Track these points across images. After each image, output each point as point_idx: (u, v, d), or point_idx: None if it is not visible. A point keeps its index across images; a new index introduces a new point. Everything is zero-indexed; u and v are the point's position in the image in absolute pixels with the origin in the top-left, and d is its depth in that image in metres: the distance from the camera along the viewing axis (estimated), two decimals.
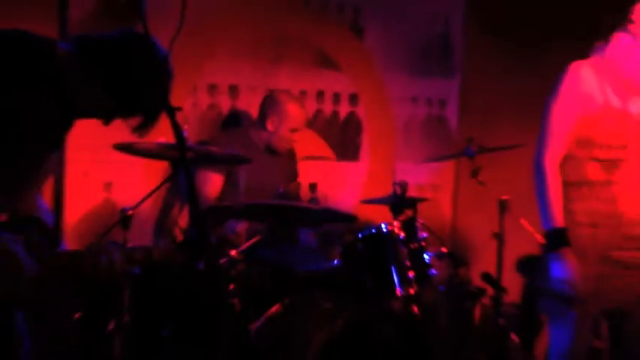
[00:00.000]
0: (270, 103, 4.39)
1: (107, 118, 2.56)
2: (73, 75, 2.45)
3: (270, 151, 4.43)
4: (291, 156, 4.61)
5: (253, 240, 3.84)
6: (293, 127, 4.37)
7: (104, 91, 2.48)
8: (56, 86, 2.43)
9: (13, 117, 2.36)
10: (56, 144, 2.60)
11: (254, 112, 4.56)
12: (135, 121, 2.53)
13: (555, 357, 2.93)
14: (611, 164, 2.87)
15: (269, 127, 4.37)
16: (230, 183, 4.30)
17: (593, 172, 2.89)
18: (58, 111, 2.49)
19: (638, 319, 2.93)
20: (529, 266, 4.95)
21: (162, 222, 4.50)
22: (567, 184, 2.92)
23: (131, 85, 2.48)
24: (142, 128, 2.52)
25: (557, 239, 2.86)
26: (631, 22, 2.88)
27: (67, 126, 2.60)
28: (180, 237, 4.00)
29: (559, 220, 2.86)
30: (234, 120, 4.73)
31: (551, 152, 2.90)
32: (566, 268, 2.82)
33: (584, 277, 2.81)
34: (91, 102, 2.52)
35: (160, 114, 2.47)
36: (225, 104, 4.74)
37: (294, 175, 4.62)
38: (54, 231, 2.61)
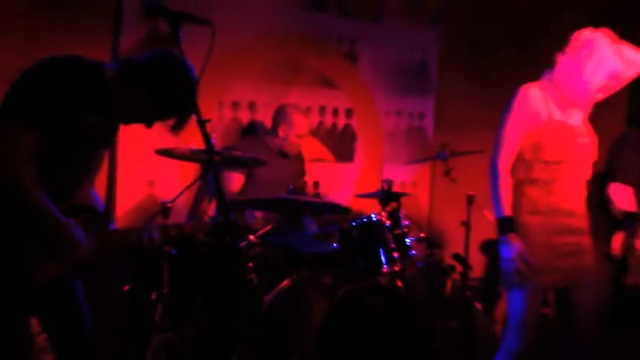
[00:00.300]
0: (280, 114, 4.38)
1: (149, 123, 2.57)
2: (119, 92, 2.47)
3: (282, 154, 4.41)
4: (300, 158, 4.60)
5: (267, 227, 3.84)
6: (299, 133, 4.35)
7: (146, 102, 2.50)
8: (106, 103, 2.45)
9: (76, 132, 2.39)
10: (105, 147, 2.62)
11: (268, 123, 4.56)
12: (170, 122, 2.54)
13: (512, 321, 2.93)
14: (554, 165, 2.88)
15: (280, 134, 4.36)
16: (250, 180, 4.31)
17: (540, 171, 2.89)
18: (107, 123, 2.52)
19: (581, 293, 2.92)
20: (490, 248, 4.96)
21: (194, 212, 4.49)
22: (520, 182, 2.93)
23: (167, 95, 2.50)
24: (177, 128, 2.53)
25: (505, 226, 2.87)
26: (568, 45, 2.89)
27: (114, 132, 2.62)
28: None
29: (507, 210, 2.87)
30: (251, 129, 4.73)
31: (503, 157, 2.91)
32: (511, 249, 2.83)
33: (531, 256, 2.82)
34: (135, 112, 2.54)
35: (190, 116, 2.48)
36: (245, 118, 4.73)
37: (302, 174, 4.61)
38: (105, 216, 2.61)
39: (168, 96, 2.50)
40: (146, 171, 4.35)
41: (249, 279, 3.70)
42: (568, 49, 2.88)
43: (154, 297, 3.57)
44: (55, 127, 2.31)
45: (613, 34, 2.86)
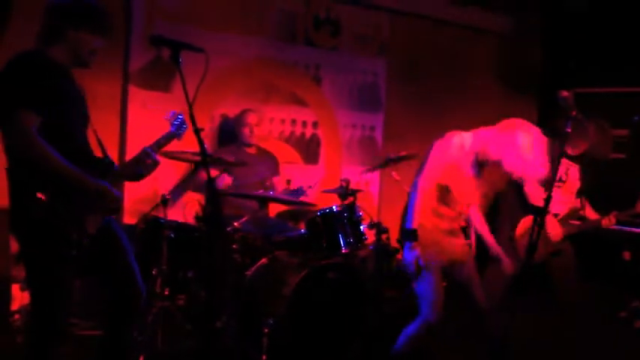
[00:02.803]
0: (237, 117, 4.40)
1: (96, 45, 2.49)
2: (63, 50, 2.42)
3: (254, 148, 4.40)
4: (271, 157, 4.56)
5: (246, 217, 3.83)
6: (249, 123, 4.31)
7: (75, 33, 2.42)
8: (62, 68, 2.42)
9: (60, 97, 2.38)
10: (85, 105, 2.55)
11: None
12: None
13: (424, 301, 2.97)
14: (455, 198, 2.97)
15: (237, 129, 4.36)
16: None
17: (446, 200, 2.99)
18: (72, 83, 2.48)
19: (464, 268, 3.05)
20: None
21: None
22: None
23: (80, 15, 2.42)
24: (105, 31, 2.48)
25: (412, 235, 2.88)
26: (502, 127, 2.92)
27: (81, 90, 2.55)
28: (200, 212, 3.96)
29: (416, 224, 2.89)
30: (228, 135, 4.69)
31: (424, 180, 2.94)
32: (412, 254, 2.89)
33: (429, 257, 2.91)
34: (79, 47, 2.45)
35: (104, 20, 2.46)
36: None
37: (276, 170, 4.55)
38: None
39: (82, 14, 2.43)
40: None
41: (233, 258, 3.69)
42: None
43: (154, 272, 3.54)
44: (43, 99, 2.29)
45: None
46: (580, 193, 4.09)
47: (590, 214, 4.11)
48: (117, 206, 2.50)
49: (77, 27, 2.42)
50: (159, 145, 2.71)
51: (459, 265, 3.05)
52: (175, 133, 2.78)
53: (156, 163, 2.64)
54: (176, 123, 2.80)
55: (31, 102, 2.27)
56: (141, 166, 2.61)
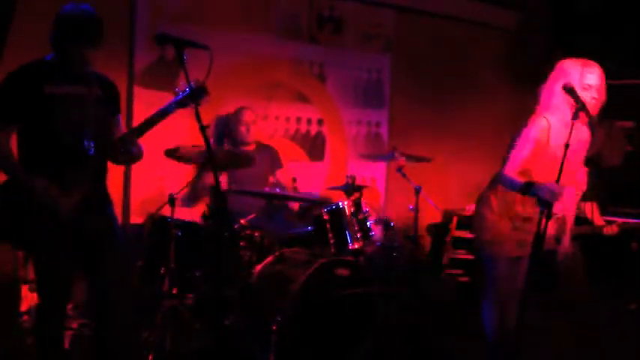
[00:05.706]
0: (232, 115, 4.41)
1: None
2: (62, 58, 2.58)
3: (258, 147, 4.39)
4: (270, 150, 4.56)
5: (253, 214, 3.84)
6: (245, 121, 4.33)
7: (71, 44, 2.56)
8: (58, 72, 2.58)
9: (45, 101, 2.54)
10: (84, 99, 2.65)
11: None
12: None
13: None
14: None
15: (233, 127, 4.37)
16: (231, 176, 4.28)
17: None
18: (70, 82, 2.60)
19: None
20: (434, 230, 5.01)
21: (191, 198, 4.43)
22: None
23: (73, 29, 2.55)
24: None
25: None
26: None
27: (84, 82, 2.66)
28: (207, 211, 3.97)
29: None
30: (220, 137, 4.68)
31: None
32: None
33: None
34: (71, 52, 2.58)
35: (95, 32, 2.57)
36: None
37: (276, 164, 4.55)
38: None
39: (75, 29, 2.54)
40: (157, 169, 4.28)
41: (240, 255, 3.70)
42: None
43: (162, 271, 3.56)
44: (24, 109, 2.49)
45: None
46: (586, 197, 4.03)
47: (597, 219, 4.05)
48: (55, 207, 2.53)
49: (69, 39, 2.55)
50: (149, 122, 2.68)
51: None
52: (179, 102, 2.65)
53: (129, 152, 2.70)
54: (182, 94, 2.64)
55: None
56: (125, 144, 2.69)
